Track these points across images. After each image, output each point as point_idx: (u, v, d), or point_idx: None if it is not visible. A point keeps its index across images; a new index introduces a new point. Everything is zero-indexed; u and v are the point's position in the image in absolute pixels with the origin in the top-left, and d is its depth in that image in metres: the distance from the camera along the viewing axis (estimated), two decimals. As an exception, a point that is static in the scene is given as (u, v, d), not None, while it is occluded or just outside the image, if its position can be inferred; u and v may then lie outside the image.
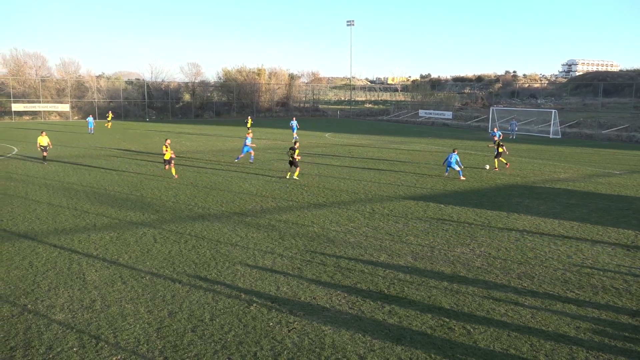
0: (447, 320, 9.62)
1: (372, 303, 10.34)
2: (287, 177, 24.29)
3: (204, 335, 8.88)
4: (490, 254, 13.60)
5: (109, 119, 57.07)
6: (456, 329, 9.30)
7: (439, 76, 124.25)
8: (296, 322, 9.42)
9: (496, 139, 32.38)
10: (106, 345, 8.48)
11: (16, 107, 67.16)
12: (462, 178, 24.86)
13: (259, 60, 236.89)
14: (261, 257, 12.98)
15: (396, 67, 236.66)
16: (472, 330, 9.25)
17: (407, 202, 19.65)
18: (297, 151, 24.04)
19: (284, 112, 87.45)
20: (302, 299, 10.50)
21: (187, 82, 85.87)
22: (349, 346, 8.60)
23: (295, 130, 43.69)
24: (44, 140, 28.07)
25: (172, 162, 24.27)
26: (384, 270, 12.22)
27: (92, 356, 8.13)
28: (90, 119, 48.95)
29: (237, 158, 29.45)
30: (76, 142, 39.78)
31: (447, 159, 25.32)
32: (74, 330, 8.97)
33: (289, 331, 9.08)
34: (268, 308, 10.02)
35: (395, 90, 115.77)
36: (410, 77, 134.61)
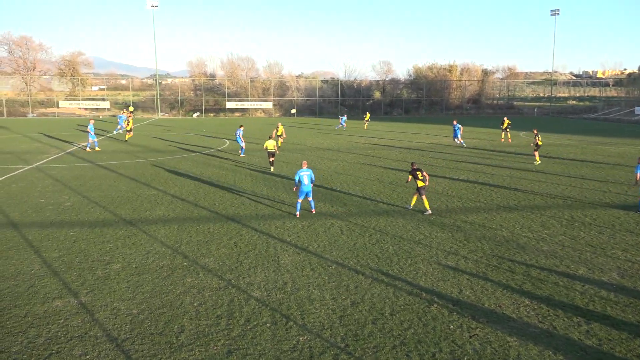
0: (661, 351, 8.28)
1: (566, 319, 9.41)
2: (411, 206, 17.90)
3: (384, 329, 9.03)
4: None
5: (131, 109, 59.98)
6: (672, 362, 7.96)
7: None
8: (479, 329, 9.03)
9: None
10: (294, 325, 9.16)
11: (229, 104, 76.33)
12: None
13: (452, 56, 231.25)
14: (444, 257, 12.72)
15: (608, 58, 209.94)
16: (694, 367, 7.83)
17: (614, 212, 17.38)
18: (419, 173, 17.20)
19: (475, 109, 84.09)
20: (485, 305, 10.03)
21: (378, 80, 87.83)
22: (537, 362, 7.96)
23: (458, 135, 36.30)
24: (270, 144, 25.54)
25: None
26: (583, 285, 11.01)
27: (282, 333, 8.87)
28: (344, 118, 51.47)
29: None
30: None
31: None
32: (268, 308, 9.87)
33: (471, 337, 8.75)
34: (449, 310, 9.79)
35: (606, 84, 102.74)
36: (625, 69, 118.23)
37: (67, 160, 29.23)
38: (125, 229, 15.14)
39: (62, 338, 8.66)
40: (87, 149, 33.72)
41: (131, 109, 37.60)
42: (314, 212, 17.01)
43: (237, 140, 31.44)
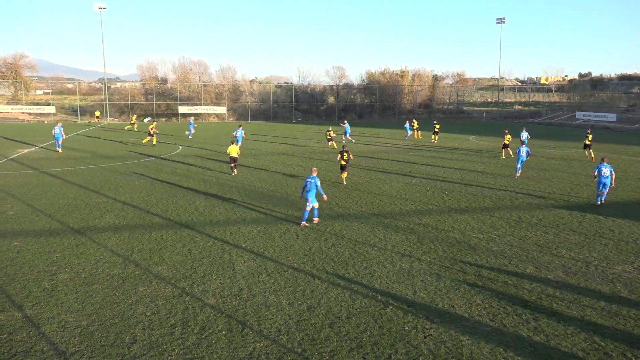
0: (603, 344, 8.69)
1: (515, 317, 9.73)
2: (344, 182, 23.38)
3: (340, 332, 9.08)
4: (659, 274, 12.00)
5: (97, 114, 67.22)
6: (614, 355, 8.36)
7: (601, 75, 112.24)
8: (433, 329, 9.22)
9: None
10: (251, 332, 9.08)
11: (182, 109, 75.00)
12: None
13: (403, 62, 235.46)
14: (399, 260, 12.92)
15: (550, 65, 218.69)
16: (633, 358, 8.25)
17: (559, 212, 18.15)
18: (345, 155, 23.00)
19: (427, 113, 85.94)
20: (439, 305, 10.24)
21: (332, 85, 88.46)
22: (489, 360, 8.19)
23: (347, 133, 42.98)
24: (233, 150, 25.77)
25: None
26: (530, 284, 11.42)
27: (238, 340, 8.77)
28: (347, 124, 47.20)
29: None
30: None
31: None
32: (224, 315, 9.74)
33: (425, 337, 8.92)
34: (404, 311, 9.94)
35: (549, 90, 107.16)
36: (566, 76, 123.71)
37: (10, 167, 27.94)
38: (73, 238, 14.59)
39: (6, 354, 8.25)
40: (59, 150, 34.93)
41: (153, 124, 41.68)
42: (317, 221, 16.32)
43: (237, 140, 32.95)
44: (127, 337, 8.82)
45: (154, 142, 40.19)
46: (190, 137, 46.51)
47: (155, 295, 10.64)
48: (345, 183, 23.21)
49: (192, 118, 51.87)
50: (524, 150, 25.59)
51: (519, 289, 11.13)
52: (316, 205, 16.11)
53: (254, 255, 13.22)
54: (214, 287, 11.09)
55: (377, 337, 8.92)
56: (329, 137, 39.15)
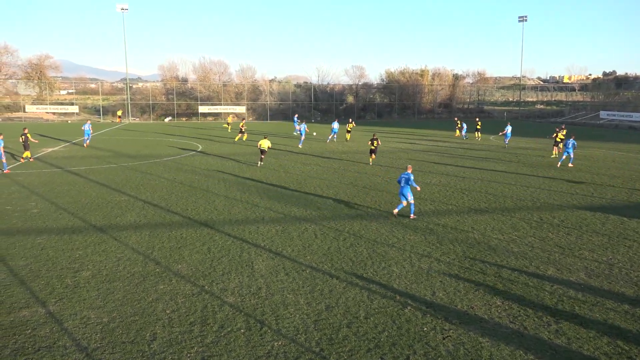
0: (627, 348, 8.52)
1: (536, 319, 9.60)
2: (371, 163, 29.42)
3: (358, 332, 9.06)
4: (685, 278, 11.72)
5: (119, 114, 70.43)
6: (638, 358, 8.19)
7: (626, 73, 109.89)
8: (451, 330, 9.14)
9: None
10: (269, 331, 9.12)
11: (202, 109, 75.65)
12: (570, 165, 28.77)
13: (423, 61, 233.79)
14: (417, 260, 12.84)
15: (574, 64, 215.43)
16: (658, 363, 8.08)
17: (581, 213, 17.84)
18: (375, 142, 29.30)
19: (447, 113, 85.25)
20: (458, 306, 10.16)
21: (351, 84, 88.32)
22: (509, 362, 8.09)
23: (334, 132, 43.12)
24: (264, 144, 27.94)
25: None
26: (552, 286, 11.25)
27: (256, 339, 8.81)
28: (336, 124, 44.36)
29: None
30: (250, 142, 43.38)
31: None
32: (242, 314, 9.80)
33: (444, 338, 8.85)
34: (423, 312, 9.88)
35: (572, 89, 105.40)
36: (590, 75, 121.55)
37: (35, 166, 28.51)
38: (95, 236, 14.84)
39: (30, 349, 8.42)
40: (86, 144, 38.18)
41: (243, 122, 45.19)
42: (413, 217, 16.97)
43: (300, 133, 40.06)
44: (148, 334, 8.93)
45: (245, 139, 42.84)
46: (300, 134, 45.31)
47: (175, 293, 10.75)
48: (371, 163, 29.37)
49: (243, 120, 48.34)
50: (570, 143, 28.85)
51: (540, 290, 10.97)
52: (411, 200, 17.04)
53: (273, 255, 13.27)
54: (232, 286, 11.17)
55: (395, 337, 8.89)
56: (348, 129, 44.12)
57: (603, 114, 70.90)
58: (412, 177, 16.83)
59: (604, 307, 10.17)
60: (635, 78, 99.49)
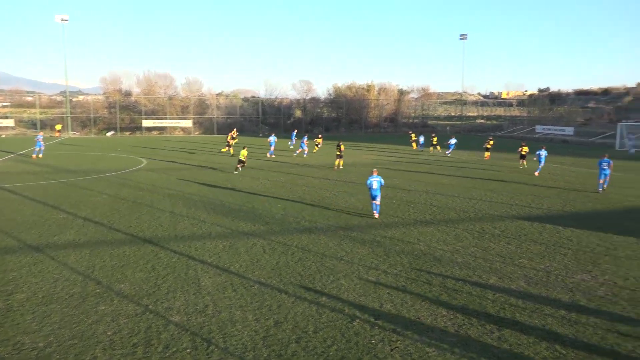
0: (564, 352, 8.89)
1: (480, 327, 9.87)
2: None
3: (307, 347, 9.01)
4: (616, 283, 12.40)
5: (58, 128, 67.97)
6: (574, 362, 8.55)
7: (559, 90, 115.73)
8: (399, 341, 9.25)
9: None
10: (216, 349, 8.91)
11: (146, 123, 73.77)
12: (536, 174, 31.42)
13: (369, 76, 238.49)
14: (365, 273, 12.95)
15: (511, 81, 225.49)
16: (593, 365, 8.46)
17: (520, 223, 18.58)
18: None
19: (393, 127, 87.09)
20: (406, 317, 10.30)
21: (299, 99, 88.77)
22: (454, 371, 8.25)
23: (272, 145, 42.15)
24: (243, 155, 31.86)
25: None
26: (494, 294, 11.62)
27: (203, 358, 8.59)
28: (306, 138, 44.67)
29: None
30: (197, 156, 42.66)
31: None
32: (188, 333, 9.55)
33: (392, 350, 8.93)
34: (371, 324, 9.95)
35: (510, 105, 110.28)
36: (526, 91, 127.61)
37: (-36, 183, 26.87)
38: (30, 256, 14.10)
39: (-44, 379, 7.86)
40: (39, 155, 39.00)
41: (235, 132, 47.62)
42: (377, 216, 18.97)
43: (301, 146, 41.98)
44: (87, 358, 8.53)
45: (231, 152, 43.41)
46: (290, 146, 50.16)
47: (116, 313, 10.35)
48: (341, 168, 33.87)
49: (233, 133, 48.07)
50: (543, 153, 32.21)
51: (483, 299, 11.30)
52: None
53: (220, 271, 13.04)
54: (178, 304, 10.87)
55: (344, 351, 8.89)
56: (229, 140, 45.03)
57: (539, 128, 74.41)
58: (381, 179, 18.90)
59: (543, 313, 10.58)
60: (568, 94, 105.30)
